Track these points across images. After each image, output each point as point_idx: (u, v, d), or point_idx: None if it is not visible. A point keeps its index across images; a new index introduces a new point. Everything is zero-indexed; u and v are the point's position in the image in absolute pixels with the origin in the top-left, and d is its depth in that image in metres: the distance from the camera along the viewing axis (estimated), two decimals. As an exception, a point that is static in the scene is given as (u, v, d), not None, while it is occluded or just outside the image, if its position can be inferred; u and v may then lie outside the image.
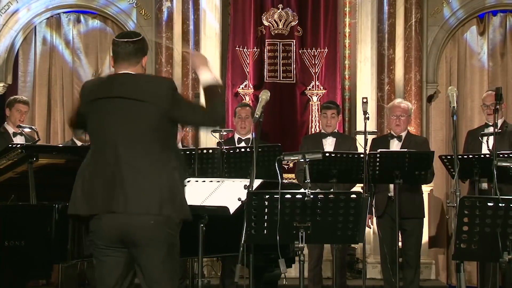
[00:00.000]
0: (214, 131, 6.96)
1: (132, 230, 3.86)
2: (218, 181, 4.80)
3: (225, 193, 4.67)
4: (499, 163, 5.12)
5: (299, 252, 4.44)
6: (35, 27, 9.32)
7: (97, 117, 3.98)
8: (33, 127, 7.53)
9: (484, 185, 6.83)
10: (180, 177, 4.01)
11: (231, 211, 4.52)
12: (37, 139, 6.97)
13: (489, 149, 6.61)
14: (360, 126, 8.03)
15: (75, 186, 4.00)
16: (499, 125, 6.78)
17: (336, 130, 7.49)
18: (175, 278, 4.04)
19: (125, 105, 3.92)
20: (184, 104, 4.03)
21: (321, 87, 9.02)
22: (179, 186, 3.98)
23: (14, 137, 7.38)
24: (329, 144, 7.31)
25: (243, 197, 4.47)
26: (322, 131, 7.46)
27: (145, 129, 3.91)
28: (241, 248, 4.49)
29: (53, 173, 5.10)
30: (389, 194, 6.97)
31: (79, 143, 7.51)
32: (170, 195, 3.90)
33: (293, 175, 8.20)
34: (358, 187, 7.20)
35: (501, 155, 6.20)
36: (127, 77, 4.00)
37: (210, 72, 4.13)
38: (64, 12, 9.32)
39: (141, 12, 9.13)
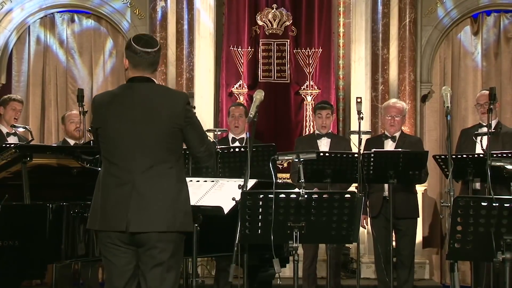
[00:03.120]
0: (208, 130, 6.96)
1: (140, 237, 3.95)
2: (213, 181, 4.80)
3: (219, 193, 4.67)
4: (493, 163, 5.13)
5: (294, 252, 4.45)
6: (29, 26, 9.31)
7: (113, 129, 4.02)
8: (27, 126, 7.52)
9: (477, 185, 6.83)
10: (187, 189, 4.10)
11: (225, 211, 4.52)
12: (30, 138, 6.96)
13: (483, 149, 6.62)
14: (354, 126, 8.03)
15: (93, 199, 4.07)
16: (493, 125, 6.79)
17: (330, 131, 7.49)
18: (177, 278, 4.07)
19: (140, 117, 3.98)
20: (195, 129, 4.10)
21: (316, 87, 9.02)
22: (187, 200, 4.08)
23: (7, 137, 7.36)
24: (324, 145, 7.30)
25: (237, 197, 4.47)
26: (317, 132, 7.45)
27: (160, 142, 3.98)
28: (235, 248, 4.49)
29: (47, 172, 5.10)
30: (384, 194, 6.97)
31: (71, 142, 7.51)
32: (179, 211, 4.00)
33: (287, 175, 8.20)
34: (353, 188, 7.20)
35: (495, 155, 6.21)
36: (142, 88, 4.04)
37: None
38: (58, 12, 9.31)
39: (135, 11, 9.13)
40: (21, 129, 7.40)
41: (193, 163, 6.41)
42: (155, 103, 4.00)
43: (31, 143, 6.64)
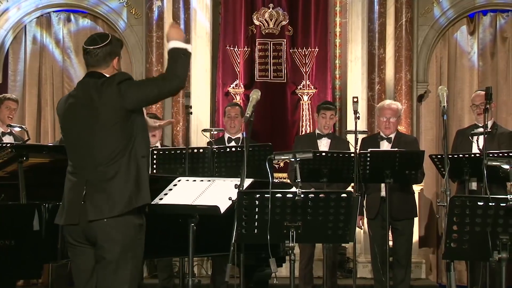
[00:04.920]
0: (205, 130, 6.96)
1: (91, 231, 3.99)
2: (209, 181, 4.79)
3: (215, 192, 4.66)
4: (489, 163, 5.12)
5: (290, 251, 4.45)
6: (25, 26, 9.30)
7: (65, 127, 4.18)
8: (23, 126, 7.52)
9: (474, 185, 6.81)
10: (141, 167, 4.07)
11: (222, 210, 4.51)
12: (27, 138, 6.95)
13: (479, 149, 6.61)
14: (350, 126, 8.03)
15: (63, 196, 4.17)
16: (489, 126, 6.78)
17: (331, 132, 7.47)
18: (130, 279, 4.05)
19: (84, 112, 4.04)
20: (136, 88, 4.03)
21: (312, 87, 9.03)
22: (141, 177, 4.05)
23: (3, 136, 7.35)
24: (323, 145, 7.28)
25: (234, 197, 4.47)
26: (318, 131, 7.40)
27: (106, 136, 4.00)
28: (232, 248, 4.49)
29: (43, 172, 5.09)
30: (382, 194, 6.94)
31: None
32: (131, 192, 4.00)
33: (284, 175, 8.20)
34: (351, 188, 7.18)
35: (491, 155, 6.20)
36: (88, 85, 4.08)
37: (181, 42, 4.12)
38: (54, 11, 9.30)
39: (131, 11, 9.12)
40: (17, 129, 7.40)
41: (189, 162, 6.42)
42: (96, 97, 4.02)
43: (27, 142, 6.63)
